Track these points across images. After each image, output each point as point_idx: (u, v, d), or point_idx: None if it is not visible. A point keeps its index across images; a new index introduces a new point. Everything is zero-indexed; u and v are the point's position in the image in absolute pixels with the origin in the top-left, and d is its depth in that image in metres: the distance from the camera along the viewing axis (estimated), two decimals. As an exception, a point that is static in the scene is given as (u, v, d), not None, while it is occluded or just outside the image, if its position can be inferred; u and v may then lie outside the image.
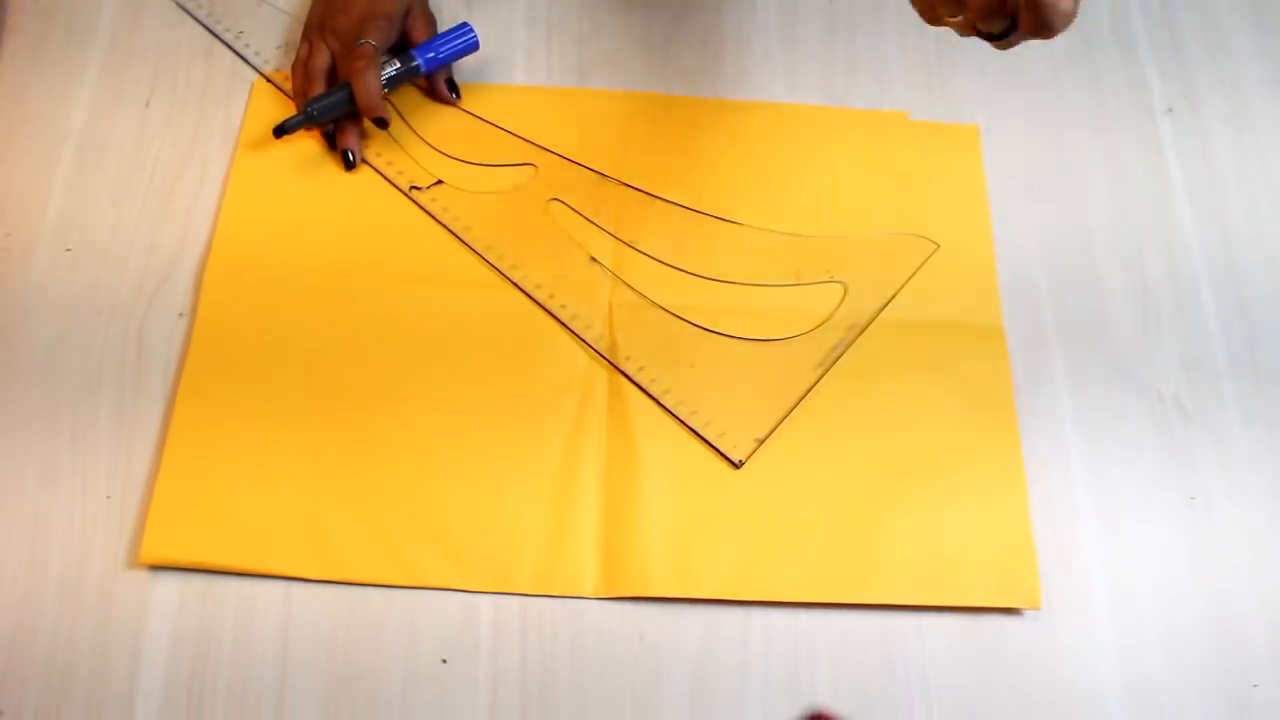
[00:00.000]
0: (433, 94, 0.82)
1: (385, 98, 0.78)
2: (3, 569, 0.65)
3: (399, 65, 0.79)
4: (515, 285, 0.75)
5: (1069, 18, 0.57)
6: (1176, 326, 0.77)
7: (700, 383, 0.72)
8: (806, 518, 0.68)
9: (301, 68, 0.80)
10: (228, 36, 0.84)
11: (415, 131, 0.81)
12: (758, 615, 0.66)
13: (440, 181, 0.79)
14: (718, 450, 0.70)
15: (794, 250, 0.78)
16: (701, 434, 0.70)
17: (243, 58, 0.83)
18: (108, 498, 0.67)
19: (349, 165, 0.78)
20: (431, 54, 0.80)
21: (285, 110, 0.80)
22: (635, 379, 0.72)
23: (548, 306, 0.74)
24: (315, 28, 0.81)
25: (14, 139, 0.79)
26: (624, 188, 0.79)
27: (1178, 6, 0.91)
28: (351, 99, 0.77)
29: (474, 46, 0.82)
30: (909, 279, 0.77)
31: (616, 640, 0.65)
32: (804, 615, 0.66)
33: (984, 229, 0.79)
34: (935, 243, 0.78)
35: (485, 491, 0.68)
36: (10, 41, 0.83)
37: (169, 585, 0.65)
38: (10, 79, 0.81)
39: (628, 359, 0.73)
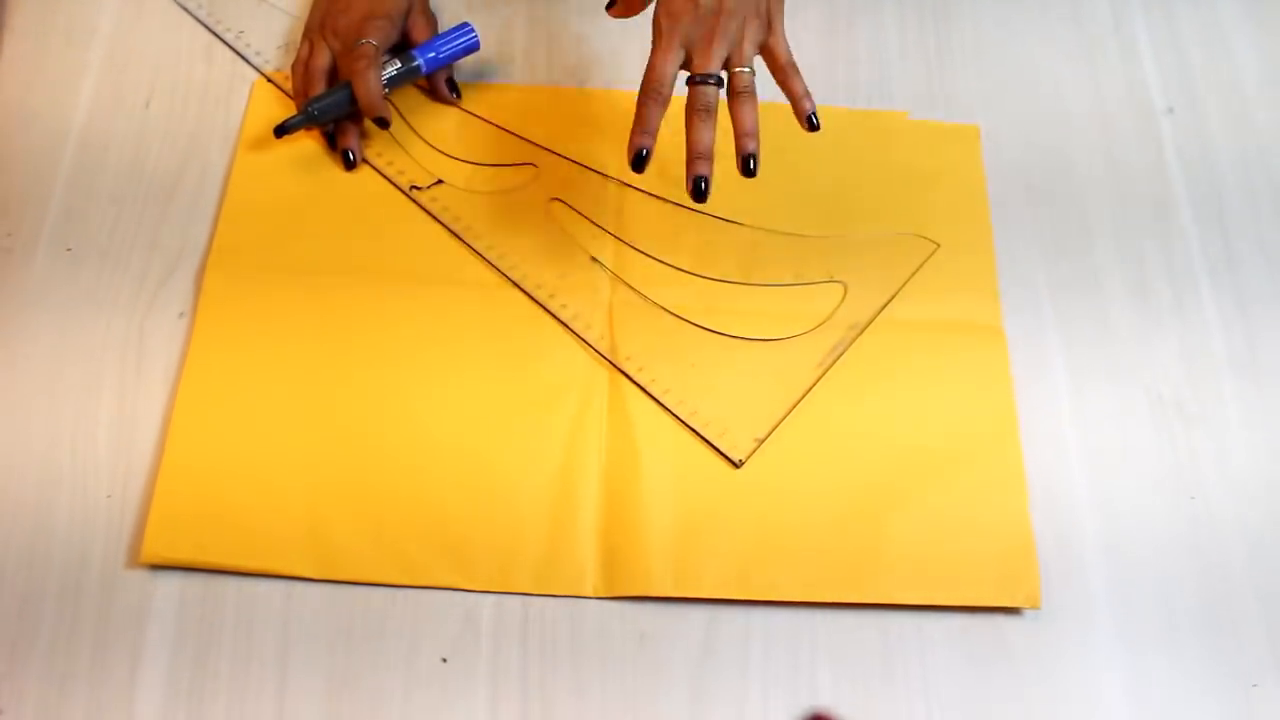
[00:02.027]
0: (433, 94, 0.82)
1: (386, 97, 0.78)
2: (3, 569, 0.65)
3: (399, 65, 0.79)
4: (515, 285, 0.75)
5: None
6: (1176, 326, 0.77)
7: (700, 382, 0.72)
8: (806, 517, 0.68)
9: (302, 67, 0.80)
10: (228, 36, 0.84)
11: (416, 131, 0.81)
12: (758, 615, 0.66)
13: (440, 181, 0.79)
14: (718, 450, 0.70)
15: (794, 250, 0.78)
16: (701, 434, 0.70)
17: (243, 57, 0.83)
18: (108, 498, 0.67)
19: (349, 165, 0.78)
20: (432, 54, 0.80)
21: (286, 110, 0.80)
22: (635, 379, 0.72)
23: (548, 306, 0.74)
24: (316, 27, 0.81)
25: (15, 138, 0.79)
26: (624, 188, 0.79)
27: (1178, 6, 0.91)
28: (352, 99, 0.77)
29: (474, 46, 0.82)
30: (909, 279, 0.77)
31: (616, 640, 0.65)
32: (804, 615, 0.66)
33: (984, 229, 0.79)
34: (935, 243, 0.78)
35: (485, 491, 0.68)
36: (11, 41, 0.83)
37: (169, 585, 0.65)
38: (11, 79, 0.81)
39: (628, 359, 0.73)
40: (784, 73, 0.70)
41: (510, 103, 0.82)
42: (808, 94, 0.69)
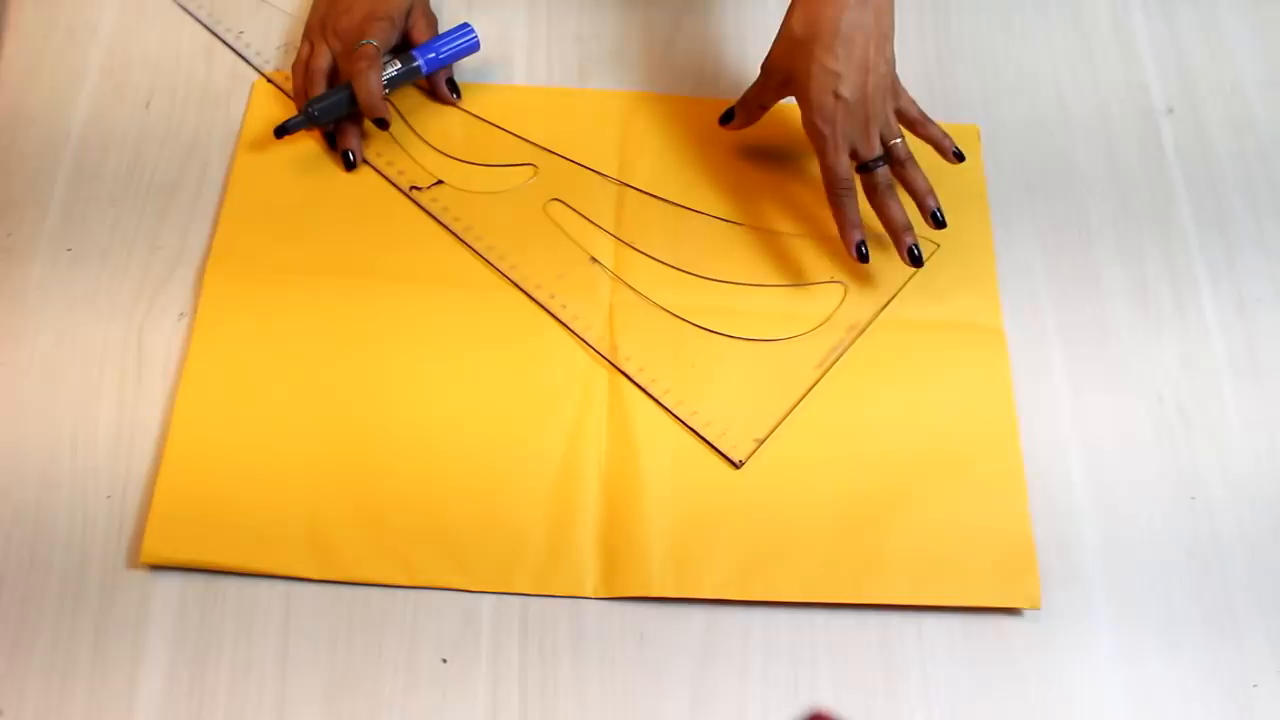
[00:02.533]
0: (433, 94, 0.82)
1: (386, 98, 0.78)
2: (3, 569, 0.65)
3: (400, 65, 0.79)
4: (515, 285, 0.75)
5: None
6: (1176, 326, 0.77)
7: (700, 383, 0.72)
8: (806, 518, 0.68)
9: (302, 68, 0.80)
10: (228, 37, 0.84)
11: (416, 132, 0.81)
12: (758, 615, 0.66)
13: (440, 182, 0.79)
14: (718, 450, 0.70)
15: (794, 250, 0.78)
16: (701, 434, 0.70)
17: (243, 58, 0.83)
18: (108, 498, 0.67)
19: (349, 165, 0.78)
20: (432, 54, 0.80)
21: (286, 110, 0.80)
22: (635, 379, 0.72)
23: (548, 307, 0.74)
24: (316, 28, 0.81)
25: (15, 139, 0.79)
26: (624, 188, 0.79)
27: (1178, 6, 0.91)
28: (352, 99, 0.77)
29: (475, 47, 0.82)
30: (909, 279, 0.77)
31: (616, 640, 0.65)
32: (804, 615, 0.66)
33: (984, 229, 0.79)
34: (935, 243, 0.78)
35: (486, 491, 0.68)
36: (11, 41, 0.83)
37: (169, 585, 0.65)
38: (12, 79, 0.81)
39: (628, 359, 0.73)
40: (920, 125, 0.76)
41: (510, 103, 0.82)
42: (945, 134, 0.77)
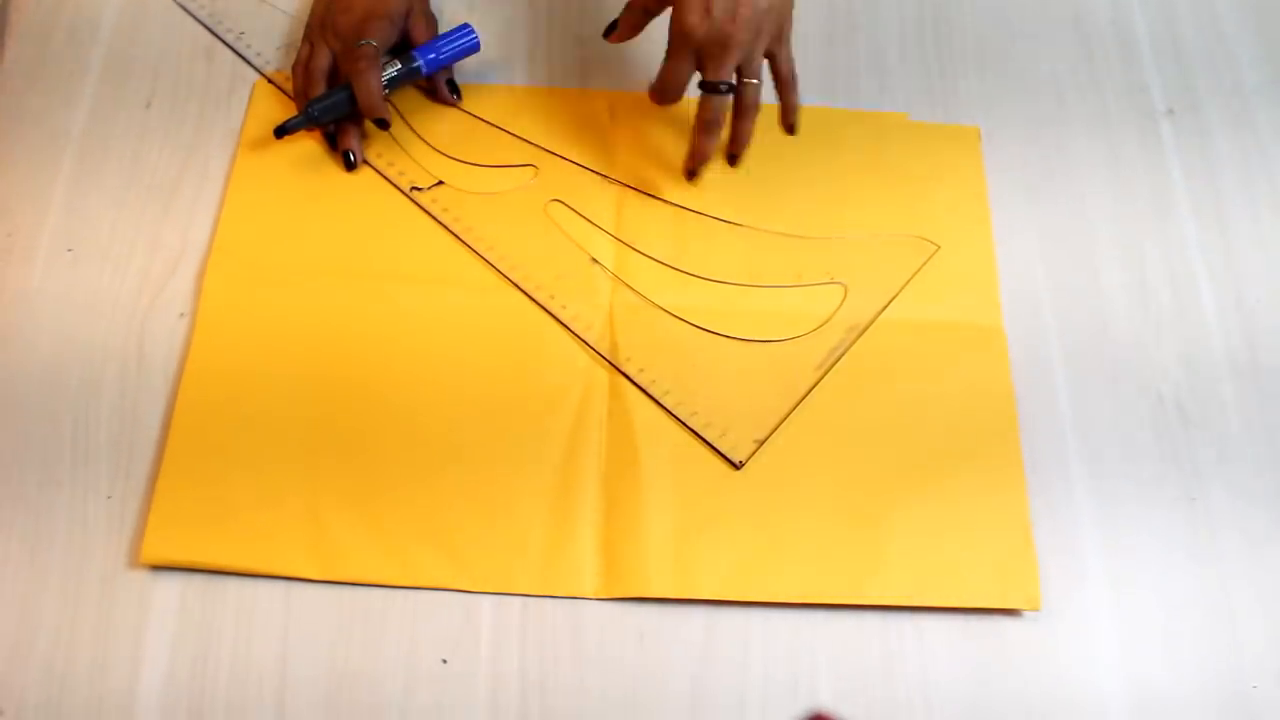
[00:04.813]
0: (433, 95, 0.82)
1: (386, 98, 0.78)
2: (3, 569, 0.65)
3: (400, 66, 0.79)
4: (516, 286, 0.75)
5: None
6: (1176, 326, 0.77)
7: (700, 384, 0.72)
8: (806, 519, 0.68)
9: (302, 68, 0.80)
10: (229, 37, 0.84)
11: (416, 132, 0.81)
12: (758, 616, 0.66)
13: (441, 182, 0.79)
14: (718, 451, 0.70)
15: (794, 251, 0.78)
16: (702, 435, 0.70)
17: (244, 58, 0.83)
18: (108, 498, 0.67)
19: (350, 166, 0.78)
20: (432, 55, 0.80)
21: (286, 111, 0.80)
22: (636, 380, 0.72)
23: (548, 307, 0.74)
24: (316, 28, 0.81)
25: (16, 139, 0.79)
26: (624, 188, 0.79)
27: (1178, 6, 0.91)
28: (352, 99, 0.77)
29: (475, 47, 0.82)
30: (909, 280, 0.77)
31: (616, 640, 0.65)
32: (804, 616, 0.66)
33: (984, 229, 0.79)
34: (935, 243, 0.78)
35: (485, 491, 0.68)
36: (13, 42, 0.83)
37: (169, 585, 0.65)
38: (13, 79, 0.81)
39: (628, 360, 0.73)
40: (785, 85, 0.76)
41: (510, 104, 0.82)
42: (797, 107, 0.77)
